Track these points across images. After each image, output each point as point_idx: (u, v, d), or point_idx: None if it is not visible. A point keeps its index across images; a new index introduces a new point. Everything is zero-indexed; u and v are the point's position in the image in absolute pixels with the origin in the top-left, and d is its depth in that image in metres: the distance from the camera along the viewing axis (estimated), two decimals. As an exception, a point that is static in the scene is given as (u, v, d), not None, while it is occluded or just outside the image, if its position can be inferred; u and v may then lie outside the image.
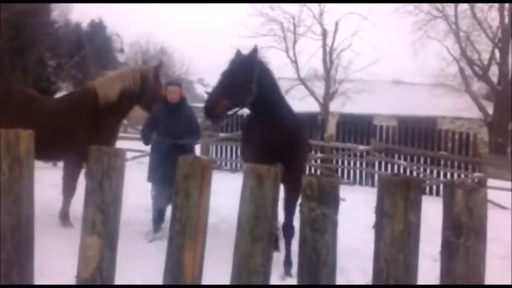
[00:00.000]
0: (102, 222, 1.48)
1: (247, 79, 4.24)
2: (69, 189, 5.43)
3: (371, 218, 1.42)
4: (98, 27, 37.50)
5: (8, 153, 1.46)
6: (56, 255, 3.75)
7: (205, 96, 4.51)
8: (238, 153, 12.42)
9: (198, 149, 12.90)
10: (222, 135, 12.65)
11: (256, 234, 1.38)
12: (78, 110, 5.44)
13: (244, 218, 1.40)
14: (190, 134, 5.36)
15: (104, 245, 1.48)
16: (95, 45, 33.65)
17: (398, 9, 25.92)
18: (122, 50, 23.46)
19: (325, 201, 1.34)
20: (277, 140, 4.44)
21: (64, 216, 5.41)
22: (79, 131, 5.28)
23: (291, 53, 26.55)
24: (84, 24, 38.31)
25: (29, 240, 1.51)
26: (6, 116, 5.16)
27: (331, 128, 12.23)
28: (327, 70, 26.36)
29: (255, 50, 4.51)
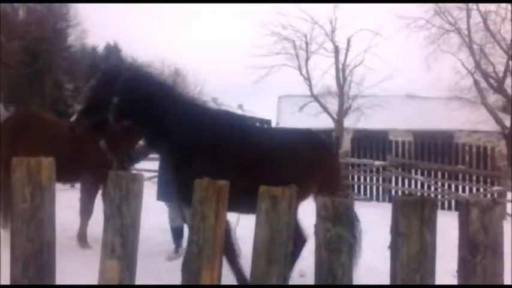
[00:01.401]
0: (122, 246, 1.51)
1: (105, 92, 3.50)
2: (86, 210, 5.50)
3: (388, 235, 1.42)
4: (113, 50, 38.23)
5: (30, 181, 1.50)
6: (75, 277, 3.78)
7: None
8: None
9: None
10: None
11: (272, 257, 1.40)
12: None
13: (259, 240, 1.42)
14: None
15: (123, 267, 1.51)
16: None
17: (409, 24, 25.95)
18: (137, 72, 23.74)
19: (339, 222, 1.35)
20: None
21: (82, 238, 5.46)
22: (96, 154, 5.36)
23: (304, 71, 26.67)
24: (100, 48, 39.09)
25: (51, 264, 1.54)
26: (25, 141, 5.28)
27: (346, 144, 12.18)
28: (340, 86, 26.39)
29: (119, 59, 4.19)
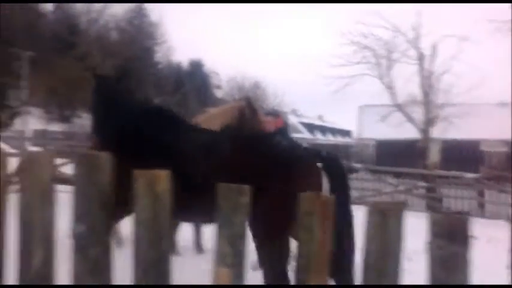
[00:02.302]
0: (232, 255, 1.59)
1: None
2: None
3: (493, 253, 1.36)
4: (197, 66, 39.90)
5: (148, 193, 1.63)
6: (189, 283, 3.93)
7: None
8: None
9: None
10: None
11: (382, 272, 1.39)
12: None
13: (369, 255, 1.43)
14: None
15: (234, 275, 1.59)
16: (194, 82, 35.77)
17: (500, 28, 24.30)
18: (219, 87, 24.68)
19: (454, 239, 1.31)
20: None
21: (197, 244, 5.75)
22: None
23: (386, 79, 25.93)
24: (185, 64, 41.01)
25: (168, 273, 1.66)
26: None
27: (434, 156, 11.65)
28: (426, 95, 25.25)
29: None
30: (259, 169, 3.01)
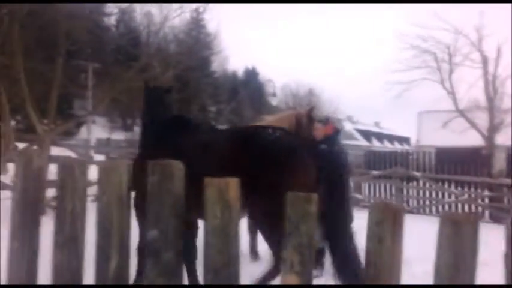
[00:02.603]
0: (300, 263, 1.61)
1: None
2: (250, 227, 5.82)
3: None
4: (251, 74, 40.44)
5: (220, 199, 1.70)
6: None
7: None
8: (392, 191, 11.98)
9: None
10: (374, 173, 12.38)
11: (456, 283, 1.36)
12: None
13: (442, 267, 1.40)
14: None
15: (301, 282, 1.61)
16: (249, 90, 36.23)
17: None
18: (274, 94, 24.87)
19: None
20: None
21: (253, 251, 5.82)
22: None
23: (447, 84, 24.99)
24: (240, 72, 41.65)
25: (236, 276, 1.71)
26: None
27: (500, 163, 11.05)
28: (490, 100, 24.08)
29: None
30: (249, 162, 3.27)
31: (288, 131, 4.29)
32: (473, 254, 1.39)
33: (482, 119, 24.09)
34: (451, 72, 24.91)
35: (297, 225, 1.63)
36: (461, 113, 24.34)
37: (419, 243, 4.06)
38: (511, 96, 23.67)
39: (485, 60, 24.28)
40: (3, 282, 2.07)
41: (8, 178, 8.44)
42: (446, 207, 11.37)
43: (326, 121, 5.90)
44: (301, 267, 1.61)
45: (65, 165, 1.98)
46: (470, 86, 24.40)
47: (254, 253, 5.81)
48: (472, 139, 23.36)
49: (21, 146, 12.09)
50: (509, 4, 21.55)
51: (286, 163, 3.31)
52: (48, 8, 10.24)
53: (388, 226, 1.51)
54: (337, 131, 5.71)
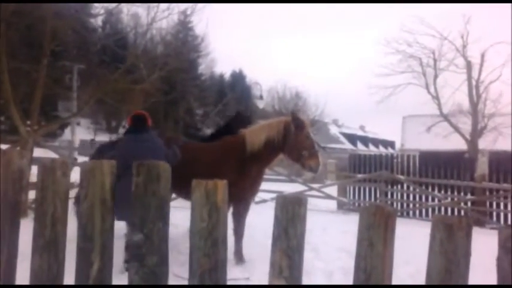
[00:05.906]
0: (288, 267, 1.57)
1: None
2: (240, 230, 5.77)
3: None
4: (238, 77, 40.38)
5: (207, 202, 1.64)
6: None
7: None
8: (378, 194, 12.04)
9: (334, 191, 12.82)
10: (359, 176, 12.41)
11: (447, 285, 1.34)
12: (229, 155, 5.89)
13: (434, 271, 1.37)
14: None
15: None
16: (236, 93, 36.16)
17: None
18: (261, 97, 24.84)
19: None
20: None
21: (238, 255, 5.75)
22: (228, 174, 5.63)
23: (432, 89, 25.23)
24: (227, 75, 41.55)
25: (224, 281, 1.66)
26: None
27: (482, 167, 11.16)
28: (474, 104, 24.36)
29: None
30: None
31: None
32: (466, 259, 1.37)
33: (465, 124, 24.36)
34: (435, 77, 25.17)
35: (286, 227, 1.59)
36: (445, 117, 24.58)
37: (404, 246, 4.05)
38: (493, 101, 24.05)
39: (469, 66, 24.58)
40: None
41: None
42: (430, 210, 11.44)
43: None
44: (290, 271, 1.57)
45: (46, 166, 1.90)
46: (454, 90, 24.69)
47: (239, 256, 5.74)
48: (456, 143, 23.62)
49: (4, 147, 11.86)
50: (496, 9, 21.89)
51: None
52: (34, 7, 10.05)
53: (379, 230, 1.47)
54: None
